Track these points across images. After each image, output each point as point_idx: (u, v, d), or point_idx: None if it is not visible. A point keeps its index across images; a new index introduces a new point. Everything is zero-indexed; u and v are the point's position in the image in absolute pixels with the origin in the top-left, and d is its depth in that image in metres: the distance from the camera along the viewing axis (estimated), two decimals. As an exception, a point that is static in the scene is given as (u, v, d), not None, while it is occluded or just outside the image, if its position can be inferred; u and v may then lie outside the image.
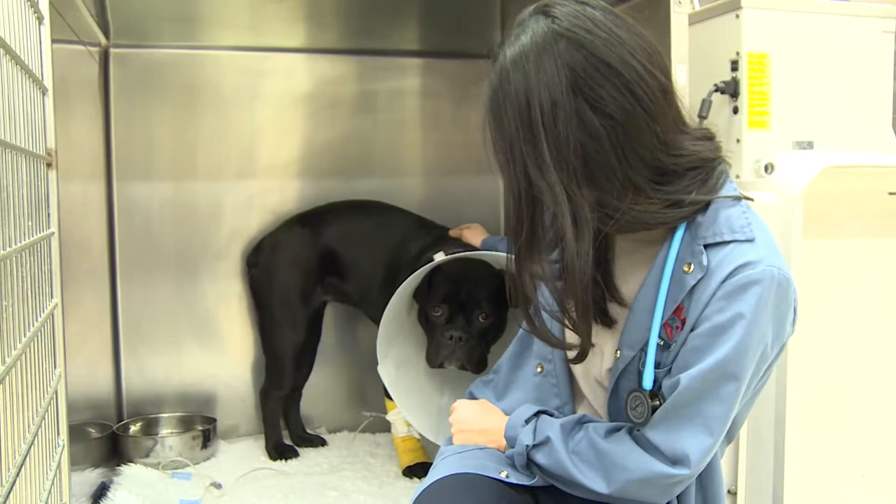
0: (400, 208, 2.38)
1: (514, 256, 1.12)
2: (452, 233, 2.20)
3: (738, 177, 1.81)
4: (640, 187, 1.07)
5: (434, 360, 1.98)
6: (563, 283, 1.09)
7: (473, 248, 2.07)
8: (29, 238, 1.07)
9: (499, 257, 1.86)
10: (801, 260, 1.60)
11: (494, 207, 2.50)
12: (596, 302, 1.16)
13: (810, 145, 1.87)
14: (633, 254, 1.19)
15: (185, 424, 2.40)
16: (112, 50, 2.34)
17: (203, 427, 2.35)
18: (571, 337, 1.20)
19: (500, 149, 1.08)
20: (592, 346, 1.18)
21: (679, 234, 1.12)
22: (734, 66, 1.81)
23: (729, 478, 1.63)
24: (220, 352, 2.47)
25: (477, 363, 1.95)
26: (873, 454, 1.84)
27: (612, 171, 1.05)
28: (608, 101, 1.02)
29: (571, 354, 1.20)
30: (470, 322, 1.98)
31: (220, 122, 2.45)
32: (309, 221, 2.38)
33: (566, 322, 1.14)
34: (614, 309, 1.19)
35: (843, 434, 1.80)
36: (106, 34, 2.29)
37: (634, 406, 1.13)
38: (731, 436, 1.24)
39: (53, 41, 1.27)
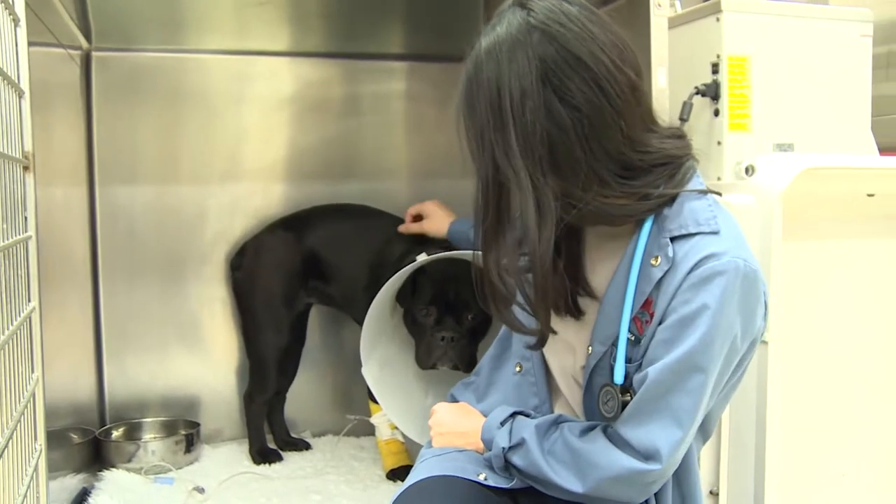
0: (383, 211, 2.36)
1: (480, 240, 1.15)
2: (410, 227, 2.09)
3: (718, 179, 1.81)
4: (604, 180, 1.08)
5: (426, 361, 1.96)
6: (531, 273, 1.10)
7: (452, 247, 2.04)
8: (4, 241, 1.06)
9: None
10: (781, 261, 1.60)
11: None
12: (567, 295, 1.17)
13: (790, 147, 1.88)
14: (602, 247, 1.20)
15: (169, 429, 2.38)
16: (94, 53, 2.33)
17: (186, 431, 2.33)
18: (535, 324, 1.21)
19: (471, 135, 1.10)
20: (554, 333, 1.18)
21: (646, 227, 1.13)
22: (715, 68, 1.82)
23: (711, 478, 1.62)
24: (203, 356, 2.45)
25: (467, 364, 1.94)
26: (854, 454, 1.84)
27: (578, 162, 1.06)
28: (576, 93, 1.04)
29: (532, 341, 1.21)
30: (459, 322, 1.97)
31: (204, 125, 2.43)
32: (292, 225, 2.36)
33: (527, 308, 1.15)
34: (585, 302, 1.20)
35: (824, 434, 1.80)
36: (87, 37, 2.27)
37: (606, 401, 1.14)
38: (706, 433, 1.24)
39: (32, 44, 1.26)
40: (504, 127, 1.06)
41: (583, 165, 1.06)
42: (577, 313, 1.20)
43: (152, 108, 2.39)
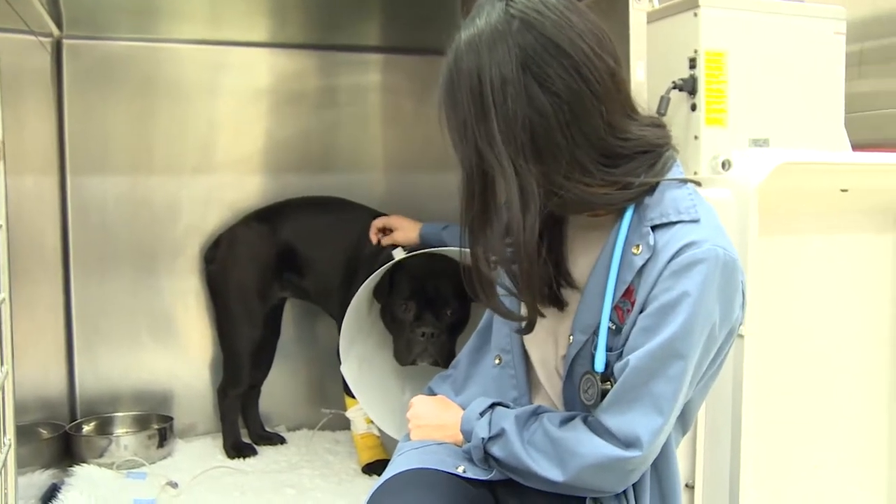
0: (359, 204, 2.35)
1: (466, 230, 1.15)
2: (384, 240, 2.10)
3: (695, 173, 1.80)
4: (586, 167, 1.09)
5: (406, 357, 1.96)
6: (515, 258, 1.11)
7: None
8: (-27, 231, 1.04)
9: (457, 252, 1.82)
10: (758, 255, 1.60)
11: (456, 203, 2.29)
12: (548, 286, 1.18)
13: (766, 143, 1.88)
14: (583, 237, 1.21)
15: (141, 423, 2.36)
16: (65, 41, 2.29)
17: (159, 426, 2.31)
18: (525, 310, 1.21)
19: (453, 127, 1.11)
20: (542, 316, 1.18)
21: (627, 216, 1.13)
22: (692, 63, 1.83)
23: (687, 472, 1.63)
24: (177, 349, 2.43)
25: (446, 358, 1.94)
26: (827, 447, 1.86)
27: (559, 149, 1.07)
28: (556, 80, 1.06)
29: (518, 326, 1.21)
30: (439, 318, 1.97)
31: (178, 116, 2.40)
32: (267, 217, 2.35)
33: (515, 293, 1.17)
34: (567, 293, 1.21)
35: (799, 428, 1.81)
36: (58, 25, 2.24)
37: (586, 388, 1.14)
38: (686, 424, 1.24)
39: (1, 30, 1.23)
40: (486, 116, 1.06)
41: (564, 152, 1.07)
42: (559, 304, 1.20)
43: (125, 98, 2.36)
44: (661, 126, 1.18)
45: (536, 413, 1.20)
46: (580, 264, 1.20)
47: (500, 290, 1.19)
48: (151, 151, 2.40)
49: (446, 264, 1.93)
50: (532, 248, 1.09)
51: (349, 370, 1.96)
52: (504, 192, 1.08)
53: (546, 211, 1.10)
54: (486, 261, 1.15)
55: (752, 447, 1.63)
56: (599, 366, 1.13)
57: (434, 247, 1.94)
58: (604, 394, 1.12)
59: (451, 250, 1.89)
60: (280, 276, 2.32)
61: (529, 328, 1.20)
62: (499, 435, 1.18)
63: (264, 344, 2.38)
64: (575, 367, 1.18)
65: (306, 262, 2.29)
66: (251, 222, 2.35)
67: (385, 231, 2.14)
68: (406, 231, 2.08)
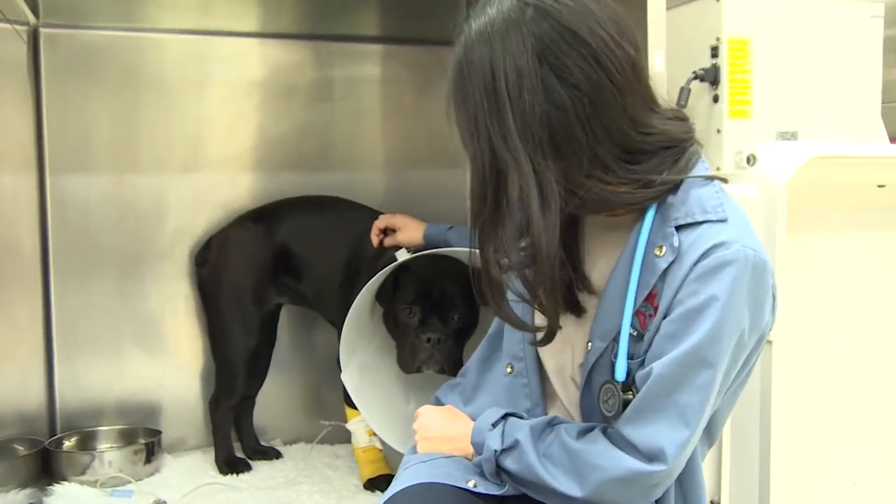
0: (358, 203, 2.34)
1: (477, 233, 1.13)
2: (387, 241, 2.11)
3: (718, 169, 1.80)
4: (607, 164, 1.08)
5: (410, 365, 1.95)
6: (532, 263, 1.10)
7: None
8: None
9: (464, 253, 1.79)
10: (786, 255, 1.59)
11: (460, 202, 2.43)
12: (565, 290, 1.17)
13: (794, 136, 1.87)
14: (602, 239, 1.20)
15: (127, 438, 2.34)
16: (42, 30, 2.27)
17: (146, 440, 2.29)
18: (538, 320, 1.20)
19: (463, 122, 1.10)
20: (560, 328, 1.17)
21: (649, 216, 1.12)
22: (714, 52, 1.82)
23: (713, 487, 1.62)
24: (165, 359, 2.41)
25: (454, 366, 1.93)
26: (865, 461, 1.84)
27: (579, 145, 1.06)
28: (574, 70, 1.05)
29: (539, 336, 1.19)
30: (445, 323, 1.96)
31: (164, 110, 2.39)
32: (262, 217, 2.34)
33: (533, 303, 1.15)
34: (584, 297, 1.20)
35: (833, 440, 1.80)
36: (35, 12, 2.22)
37: (606, 399, 1.13)
38: (712, 436, 1.23)
39: (-27, 17, 1.22)
40: (500, 110, 1.06)
41: (584, 148, 1.06)
42: (577, 309, 1.19)
43: (106, 91, 2.34)
44: (685, 119, 1.17)
45: (552, 424, 1.19)
46: (599, 267, 1.20)
47: (510, 297, 1.18)
48: (136, 148, 2.38)
49: (453, 266, 1.92)
50: (554, 251, 1.08)
51: (350, 379, 1.95)
52: (518, 190, 1.08)
53: (564, 213, 1.09)
54: (498, 264, 1.14)
55: (783, 461, 1.61)
56: (620, 374, 1.12)
57: (440, 248, 1.93)
58: (625, 404, 1.11)
59: (458, 251, 1.88)
60: (276, 280, 2.31)
61: (548, 338, 1.19)
62: (512, 447, 1.17)
63: (259, 352, 2.35)
64: (593, 376, 1.17)
65: (304, 264, 2.28)
66: (244, 223, 2.34)
67: (387, 232, 2.13)
68: (409, 231, 2.07)
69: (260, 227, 2.32)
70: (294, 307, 2.45)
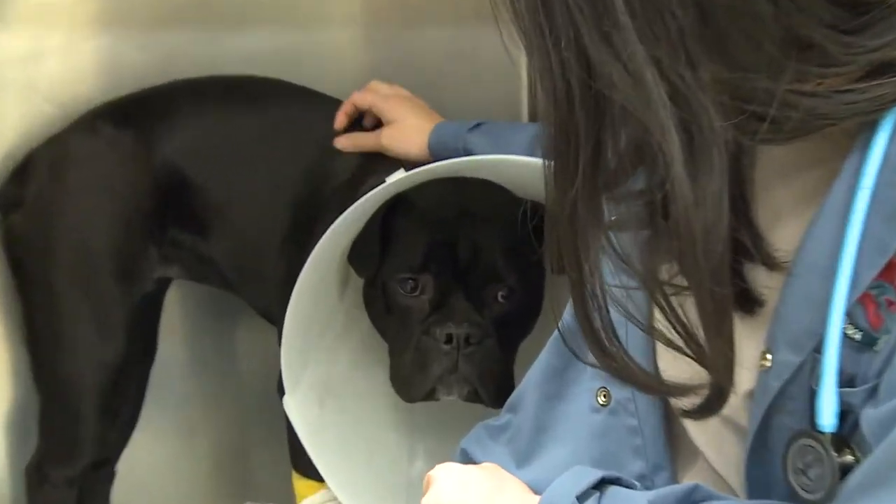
0: (316, 92, 1.96)
1: (560, 218, 0.96)
2: (356, 140, 1.88)
3: None
4: (814, 45, 0.88)
5: (415, 387, 1.68)
6: (682, 269, 0.91)
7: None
8: None
9: (510, 172, 1.61)
10: None
11: (498, 87, 2.06)
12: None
13: None
14: (786, 181, 1.06)
15: None
16: None
17: None
18: (681, 368, 0.97)
19: (527, 7, 0.91)
20: (733, 386, 0.99)
21: (881, 135, 0.93)
22: None
23: None
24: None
25: (497, 388, 1.64)
26: None
27: (760, 24, 0.87)
28: None
29: (687, 402, 1.00)
30: (480, 307, 1.66)
31: None
32: (131, 116, 1.96)
33: (672, 334, 0.93)
34: (757, 277, 1.01)
35: None
36: None
37: (804, 465, 0.95)
38: None
39: None
40: None
41: (769, 28, 0.86)
42: (748, 301, 1.01)
43: None
44: None
45: (692, 500, 1.01)
46: (782, 227, 1.03)
47: (617, 318, 0.98)
48: None
49: (488, 195, 1.69)
50: (721, 242, 0.88)
51: (299, 409, 1.70)
52: (644, 132, 0.88)
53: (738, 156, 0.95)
54: (600, 286, 0.94)
55: None
56: (828, 417, 0.92)
57: (462, 163, 1.68)
58: (843, 473, 0.91)
59: (503, 163, 1.60)
60: (159, 234, 1.97)
61: (716, 406, 0.98)
62: None
63: (125, 372, 1.97)
64: (774, 417, 0.98)
65: (211, 205, 1.94)
66: (98, 127, 1.96)
67: (363, 125, 1.84)
68: (407, 130, 1.79)
69: (128, 135, 1.95)
70: (193, 286, 2.07)
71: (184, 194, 1.93)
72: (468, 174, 1.62)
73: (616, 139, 0.94)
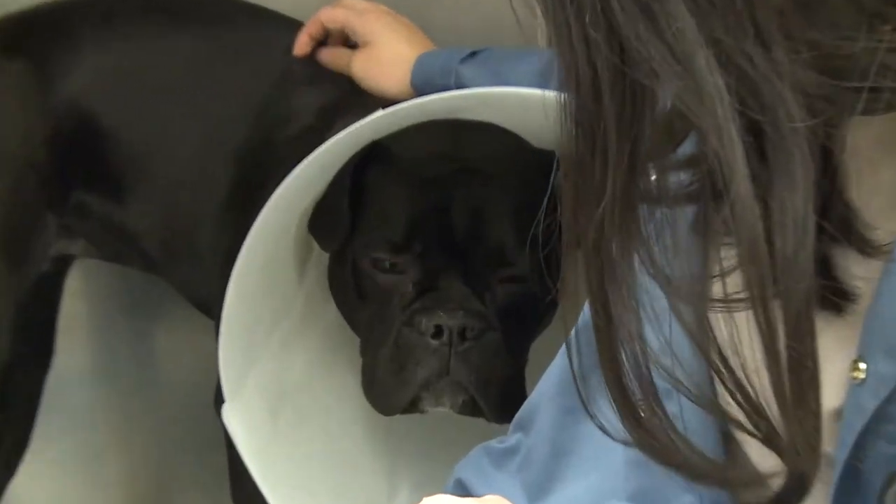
0: (267, 11, 1.85)
1: (589, 238, 0.88)
2: (324, 56, 1.85)
3: None
4: None
5: (391, 397, 1.64)
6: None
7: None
8: None
9: (515, 106, 1.55)
10: None
11: (499, 15, 1.85)
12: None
13: None
14: (885, 154, 0.97)
15: None
16: None
17: None
18: (748, 449, 0.94)
19: None
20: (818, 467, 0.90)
21: None
22: None
23: None
24: None
25: (502, 398, 1.57)
26: None
27: None
28: None
29: (752, 495, 0.95)
30: (480, 290, 1.59)
31: None
32: (20, 43, 1.91)
33: (734, 398, 0.83)
34: (849, 267, 0.95)
35: None
36: None
37: None
38: None
39: None
40: None
41: None
42: (836, 297, 0.92)
43: None
44: None
45: None
46: (879, 205, 0.95)
47: (662, 386, 0.85)
48: None
49: (490, 142, 1.62)
50: (807, 276, 0.79)
51: (244, 424, 1.63)
52: (702, 136, 0.79)
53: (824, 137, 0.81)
54: (638, 328, 0.83)
55: None
56: None
57: (454, 98, 1.62)
58: None
59: (505, 98, 1.53)
60: (58, 198, 1.91)
61: (797, 497, 0.90)
62: None
63: (12, 380, 1.91)
64: (870, 443, 0.93)
65: (130, 158, 1.85)
66: None
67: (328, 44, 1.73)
68: (382, 59, 1.71)
69: (15, 67, 1.91)
70: (102, 267, 1.98)
71: (92, 144, 1.79)
72: (466, 115, 1.49)
73: (659, 147, 0.92)
